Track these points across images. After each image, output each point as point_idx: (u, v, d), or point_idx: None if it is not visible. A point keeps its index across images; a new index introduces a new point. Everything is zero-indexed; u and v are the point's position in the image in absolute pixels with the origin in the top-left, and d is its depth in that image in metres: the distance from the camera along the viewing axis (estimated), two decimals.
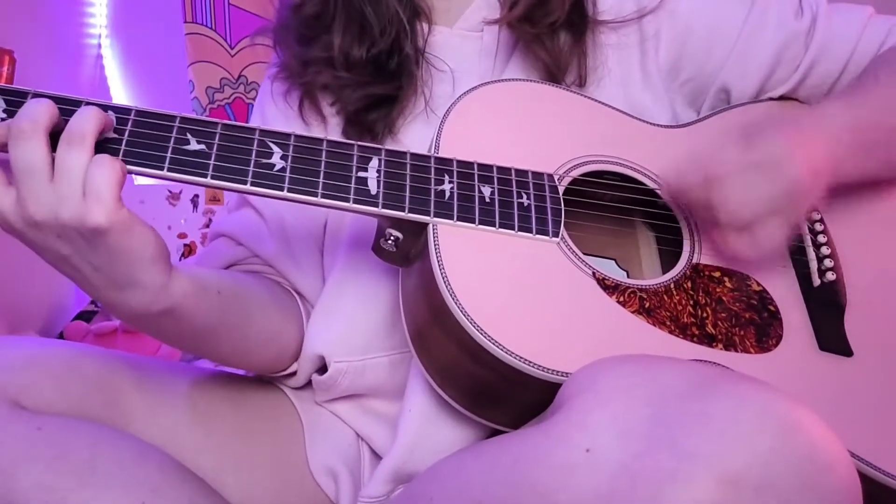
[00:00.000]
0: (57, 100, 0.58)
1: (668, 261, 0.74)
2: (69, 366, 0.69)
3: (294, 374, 0.83)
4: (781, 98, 0.83)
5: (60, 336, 1.60)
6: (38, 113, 0.55)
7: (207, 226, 1.91)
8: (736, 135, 0.68)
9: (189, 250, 1.89)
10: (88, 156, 0.55)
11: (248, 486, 0.76)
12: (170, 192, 1.90)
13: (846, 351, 0.68)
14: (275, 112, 0.84)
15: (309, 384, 0.85)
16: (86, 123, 0.55)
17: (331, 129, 0.81)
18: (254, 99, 1.93)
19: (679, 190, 0.69)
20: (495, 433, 0.68)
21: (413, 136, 0.78)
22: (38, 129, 0.54)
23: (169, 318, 0.64)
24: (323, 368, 0.81)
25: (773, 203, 0.64)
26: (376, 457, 0.81)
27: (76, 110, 0.57)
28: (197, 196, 1.91)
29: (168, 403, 0.75)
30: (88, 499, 0.59)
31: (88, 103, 0.59)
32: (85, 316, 1.70)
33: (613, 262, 0.77)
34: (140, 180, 1.96)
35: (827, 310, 0.70)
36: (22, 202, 0.55)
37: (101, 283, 0.59)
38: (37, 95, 0.58)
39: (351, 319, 0.78)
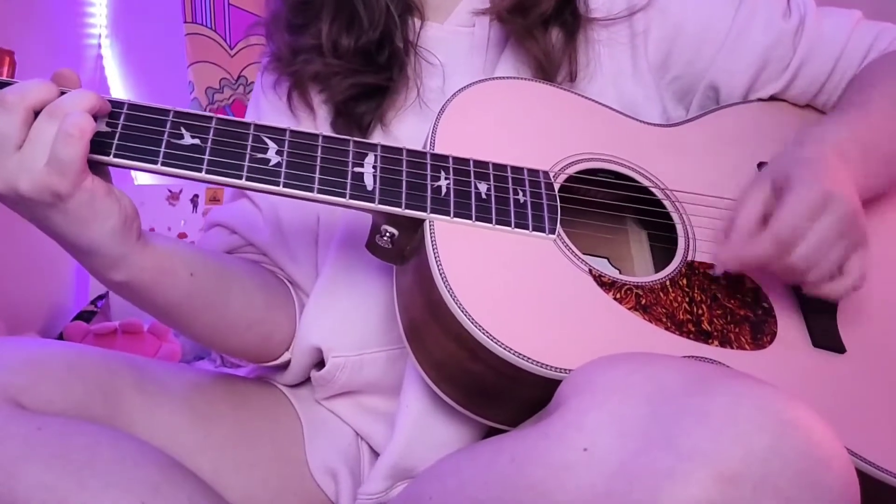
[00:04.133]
0: None
1: (660, 259, 0.75)
2: (69, 366, 0.69)
3: (286, 364, 0.83)
4: (771, 99, 0.84)
5: (60, 336, 1.60)
6: (28, 90, 0.56)
7: None
8: (768, 186, 0.67)
9: None
10: None
11: (248, 486, 0.76)
12: (170, 192, 1.90)
13: (839, 348, 0.69)
14: (265, 104, 0.85)
15: (307, 382, 0.85)
16: (76, 102, 0.57)
17: (319, 121, 0.81)
18: None
19: (755, 264, 0.66)
20: (492, 429, 0.68)
21: (405, 129, 0.79)
22: (20, 103, 0.56)
23: (126, 289, 0.66)
24: (321, 364, 0.81)
25: (845, 237, 0.64)
26: (376, 455, 0.81)
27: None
28: (197, 196, 1.91)
29: (168, 404, 0.75)
30: (88, 498, 0.59)
31: None
32: (85, 316, 1.70)
33: (606, 260, 0.77)
34: (140, 181, 1.96)
35: (820, 307, 0.70)
36: None
37: (64, 244, 0.62)
38: None
39: (346, 314, 0.79)
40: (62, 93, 0.58)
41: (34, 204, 0.57)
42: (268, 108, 0.84)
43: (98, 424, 0.67)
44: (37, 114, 0.57)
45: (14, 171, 0.56)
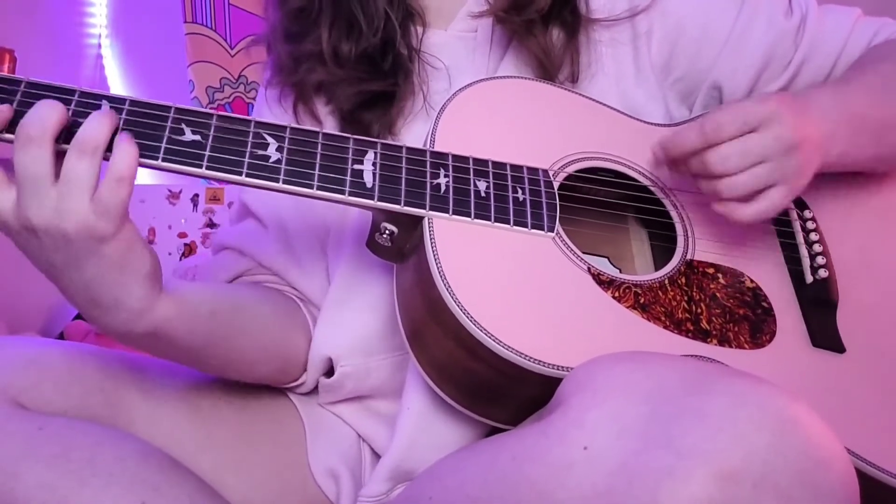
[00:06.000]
0: (51, 88, 0.58)
1: (661, 258, 0.75)
2: (70, 366, 0.69)
3: (303, 383, 0.83)
4: None
5: (61, 336, 1.60)
6: (47, 118, 0.55)
7: (207, 225, 1.91)
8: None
9: (189, 250, 1.89)
10: (99, 165, 0.55)
11: (249, 486, 0.76)
12: (170, 191, 1.90)
13: (839, 347, 0.69)
14: (269, 118, 0.84)
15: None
16: (98, 132, 0.56)
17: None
18: (254, 98, 1.94)
19: (676, 152, 0.67)
20: (493, 430, 0.68)
21: (413, 137, 0.78)
22: (45, 136, 0.54)
23: (152, 339, 0.64)
24: (330, 371, 0.81)
25: (772, 160, 0.64)
26: (377, 457, 0.81)
27: (71, 98, 0.58)
28: (197, 195, 1.91)
29: (169, 404, 0.75)
30: (89, 498, 0.59)
31: (83, 93, 0.59)
32: None
33: (607, 259, 0.77)
34: (140, 180, 1.96)
35: (819, 306, 0.70)
36: (22, 206, 0.55)
37: (83, 299, 0.60)
38: (30, 84, 0.58)
39: (355, 323, 0.78)
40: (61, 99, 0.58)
41: (74, 247, 0.56)
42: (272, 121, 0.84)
43: (99, 424, 0.67)
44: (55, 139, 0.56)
45: (56, 209, 0.55)
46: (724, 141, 0.64)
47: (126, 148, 0.56)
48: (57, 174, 0.55)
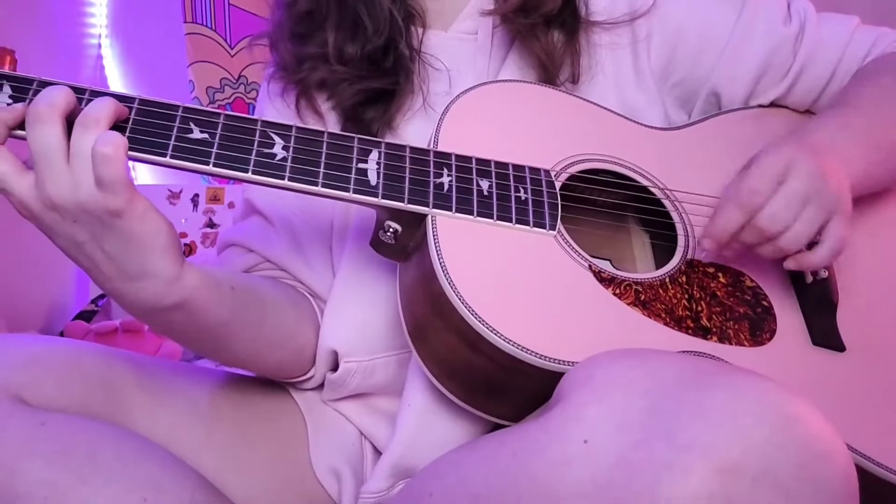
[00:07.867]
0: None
1: (662, 259, 0.75)
2: (71, 363, 0.70)
3: (312, 377, 0.83)
4: (772, 105, 0.84)
5: (60, 335, 1.60)
6: (55, 97, 0.56)
7: (208, 225, 1.91)
8: (743, 167, 0.68)
9: (189, 250, 1.89)
10: None
11: (249, 484, 0.76)
12: (170, 191, 1.90)
13: (839, 346, 0.69)
14: (272, 113, 0.84)
15: None
16: (102, 109, 0.57)
17: (329, 128, 0.81)
18: (254, 99, 1.94)
19: (727, 237, 0.67)
20: (494, 428, 0.69)
21: (412, 133, 0.79)
22: (54, 112, 0.56)
23: (181, 313, 0.64)
24: (336, 367, 0.81)
25: (813, 201, 0.65)
26: (379, 455, 0.81)
27: (83, 98, 0.59)
28: (197, 195, 1.91)
29: (169, 402, 0.75)
30: (89, 495, 0.60)
31: (93, 91, 0.60)
32: (85, 315, 1.70)
33: (609, 262, 0.78)
34: (140, 180, 1.96)
35: (819, 306, 0.71)
36: (40, 185, 0.56)
37: (113, 273, 0.60)
38: (42, 83, 0.59)
39: (359, 320, 0.79)
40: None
41: (93, 220, 0.57)
42: (275, 116, 0.84)
43: (100, 421, 0.67)
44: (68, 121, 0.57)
45: (71, 182, 0.56)
46: (765, 203, 0.65)
47: (112, 132, 0.57)
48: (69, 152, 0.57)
